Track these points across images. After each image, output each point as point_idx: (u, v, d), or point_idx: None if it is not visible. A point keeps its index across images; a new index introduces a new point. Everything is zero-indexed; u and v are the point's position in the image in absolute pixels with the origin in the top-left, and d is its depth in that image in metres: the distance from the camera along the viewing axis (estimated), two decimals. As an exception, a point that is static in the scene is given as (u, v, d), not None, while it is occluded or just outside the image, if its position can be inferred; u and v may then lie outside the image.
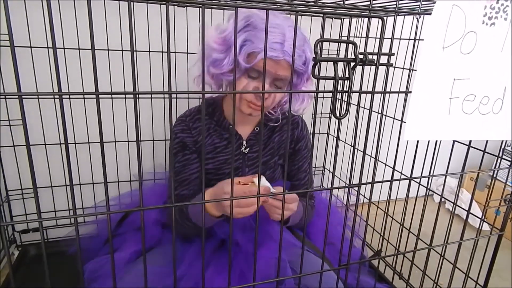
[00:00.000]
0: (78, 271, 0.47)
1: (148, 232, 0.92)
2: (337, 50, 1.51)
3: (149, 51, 1.23)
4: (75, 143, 1.25)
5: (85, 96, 1.21)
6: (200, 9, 0.41)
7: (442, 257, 0.98)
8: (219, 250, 0.90)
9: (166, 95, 1.30)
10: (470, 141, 0.74)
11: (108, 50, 1.17)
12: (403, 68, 1.20)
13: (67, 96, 1.18)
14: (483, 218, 0.92)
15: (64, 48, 1.14)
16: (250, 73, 0.79)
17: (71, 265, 1.00)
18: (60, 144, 1.24)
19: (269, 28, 0.75)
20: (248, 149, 0.94)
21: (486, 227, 1.62)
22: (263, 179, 0.76)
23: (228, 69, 0.80)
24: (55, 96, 1.19)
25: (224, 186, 0.75)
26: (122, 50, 1.19)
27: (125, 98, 1.27)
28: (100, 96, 0.40)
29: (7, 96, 1.14)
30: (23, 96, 0.38)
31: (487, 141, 0.76)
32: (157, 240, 0.94)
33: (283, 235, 0.56)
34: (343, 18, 1.46)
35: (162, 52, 1.24)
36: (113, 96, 1.25)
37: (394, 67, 1.25)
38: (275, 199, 0.77)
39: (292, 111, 0.93)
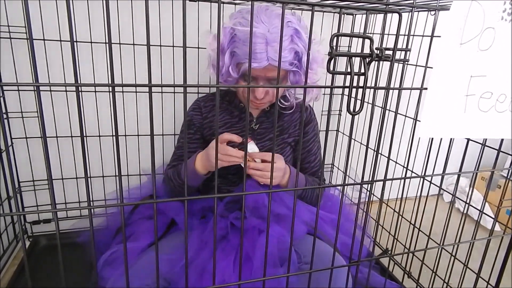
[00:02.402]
0: (91, 261, 0.47)
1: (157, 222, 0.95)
2: (349, 46, 1.50)
3: (160, 46, 1.23)
4: (86, 136, 1.26)
5: (97, 89, 1.22)
6: (217, 4, 0.41)
7: (454, 257, 0.97)
8: (224, 237, 0.92)
9: (177, 89, 1.31)
10: (485, 140, 0.73)
11: (119, 44, 1.18)
12: (416, 65, 1.19)
13: (79, 88, 1.18)
14: (496, 218, 0.90)
15: (76, 42, 1.15)
16: (245, 77, 0.89)
17: (80, 256, 1.01)
18: (72, 136, 1.26)
19: (252, 39, 0.81)
20: (258, 125, 1.02)
21: (496, 227, 1.60)
22: (252, 144, 0.91)
23: (225, 74, 0.90)
24: (67, 88, 1.20)
25: (213, 144, 0.86)
26: (133, 44, 1.19)
27: (136, 92, 1.27)
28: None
29: (20, 88, 1.16)
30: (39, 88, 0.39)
31: (502, 140, 0.74)
32: (166, 228, 0.95)
33: (291, 217, 0.56)
34: (355, 14, 1.45)
35: (173, 46, 1.24)
36: (124, 89, 1.26)
37: (408, 63, 1.24)
38: (257, 163, 0.87)
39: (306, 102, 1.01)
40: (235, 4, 1.23)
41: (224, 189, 1.02)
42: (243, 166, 0.87)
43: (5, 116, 1.16)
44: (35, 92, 0.39)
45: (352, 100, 0.49)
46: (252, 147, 0.90)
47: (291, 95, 1.03)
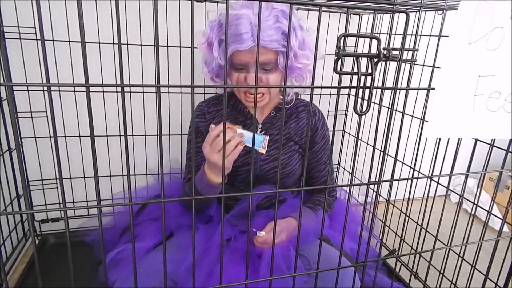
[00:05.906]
0: (98, 259, 0.48)
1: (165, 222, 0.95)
2: (355, 46, 1.49)
3: (167, 46, 1.23)
4: (93, 136, 1.27)
5: (104, 89, 1.23)
6: (224, 3, 0.41)
7: (461, 258, 0.96)
8: (231, 242, 0.92)
9: (183, 89, 1.31)
10: (494, 140, 0.72)
11: (127, 44, 1.19)
12: (423, 65, 1.18)
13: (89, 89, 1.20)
14: (504, 219, 0.90)
15: (85, 42, 1.16)
16: (235, 66, 0.85)
17: (88, 254, 1.02)
18: (80, 136, 1.27)
19: (236, 21, 0.80)
20: (263, 132, 0.99)
21: (505, 228, 1.58)
22: (242, 131, 0.81)
23: (216, 67, 0.88)
24: (76, 88, 1.21)
25: (205, 146, 0.80)
26: (141, 45, 1.20)
27: (143, 92, 1.28)
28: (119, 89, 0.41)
29: (29, 88, 1.17)
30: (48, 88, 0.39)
31: (510, 140, 0.74)
32: (172, 230, 0.96)
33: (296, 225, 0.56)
34: (362, 14, 1.44)
35: (180, 47, 1.25)
36: (131, 90, 1.27)
37: (415, 63, 1.23)
38: (262, 237, 0.84)
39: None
40: (242, 4, 1.23)
41: (232, 198, 0.99)
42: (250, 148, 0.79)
43: (15, 116, 1.18)
44: (47, 92, 0.40)
45: (359, 100, 0.49)
46: (242, 132, 0.81)
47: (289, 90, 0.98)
